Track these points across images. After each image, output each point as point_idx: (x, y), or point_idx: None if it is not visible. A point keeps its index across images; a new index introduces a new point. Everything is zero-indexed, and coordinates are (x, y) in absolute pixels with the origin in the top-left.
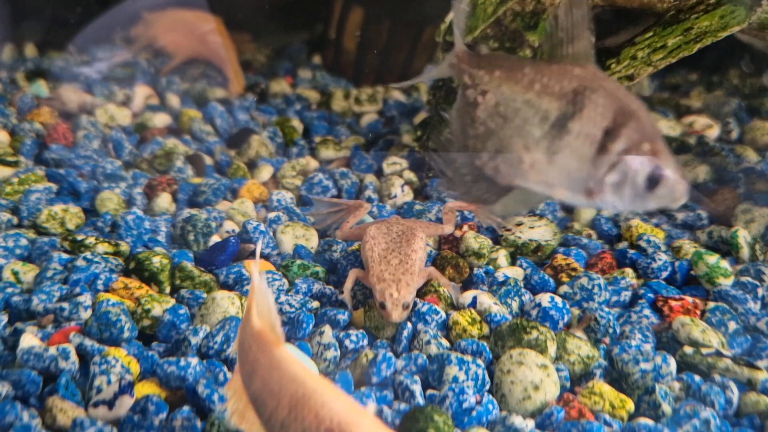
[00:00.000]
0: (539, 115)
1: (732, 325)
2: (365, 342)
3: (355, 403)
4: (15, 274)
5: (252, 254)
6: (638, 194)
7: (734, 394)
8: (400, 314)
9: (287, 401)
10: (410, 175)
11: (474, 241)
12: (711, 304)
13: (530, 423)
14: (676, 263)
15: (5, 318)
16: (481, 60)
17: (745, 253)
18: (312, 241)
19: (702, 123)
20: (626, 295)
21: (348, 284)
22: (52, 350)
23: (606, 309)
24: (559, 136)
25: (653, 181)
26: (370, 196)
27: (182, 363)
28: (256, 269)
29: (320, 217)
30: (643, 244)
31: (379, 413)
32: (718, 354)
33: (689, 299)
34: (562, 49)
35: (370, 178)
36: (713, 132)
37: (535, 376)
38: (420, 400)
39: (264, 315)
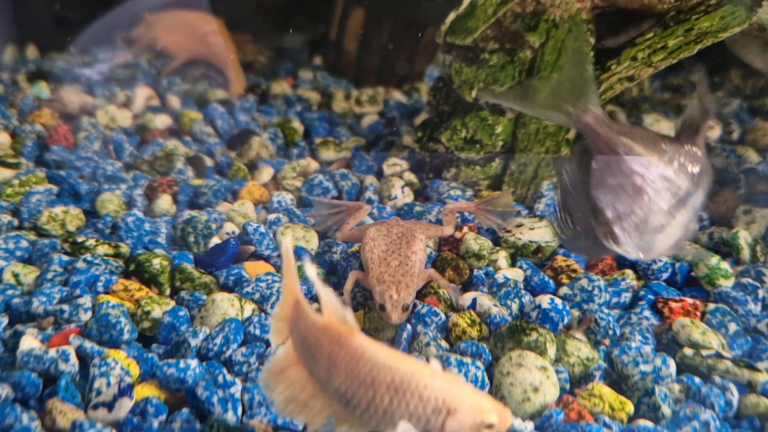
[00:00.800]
0: (673, 189)
1: (732, 327)
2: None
3: (449, 375)
4: (15, 276)
5: (252, 256)
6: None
7: (734, 396)
8: (400, 316)
9: (385, 389)
10: (410, 176)
11: (474, 242)
12: (711, 306)
13: (529, 425)
14: (677, 265)
15: (5, 320)
16: (620, 128)
17: (745, 254)
18: (312, 243)
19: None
20: (626, 297)
21: (348, 286)
22: (52, 352)
23: (606, 310)
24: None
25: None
26: (371, 198)
27: (182, 365)
28: (311, 270)
29: (320, 218)
30: None
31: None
32: (719, 356)
33: (689, 301)
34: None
35: (370, 180)
36: (714, 133)
37: (535, 378)
38: None
39: (331, 309)
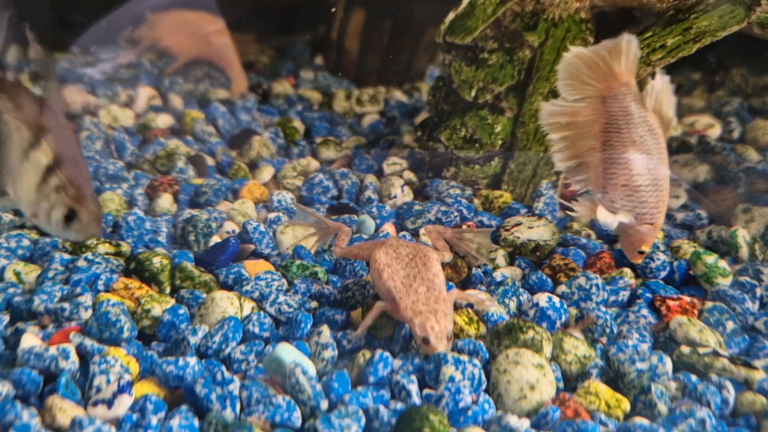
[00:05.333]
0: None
1: (730, 325)
2: (362, 342)
3: None
4: (17, 274)
5: (252, 254)
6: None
7: (731, 393)
8: (446, 346)
9: None
10: (410, 175)
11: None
12: (709, 304)
13: (526, 422)
14: (675, 263)
15: (7, 318)
16: None
17: (744, 252)
18: (311, 240)
19: (703, 122)
20: (624, 295)
21: (368, 320)
22: (53, 350)
23: (603, 309)
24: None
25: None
26: (370, 197)
27: (181, 363)
28: None
29: (302, 228)
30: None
31: (375, 413)
32: (715, 354)
33: (687, 299)
34: None
35: (370, 179)
36: (715, 131)
37: (531, 375)
38: (416, 400)
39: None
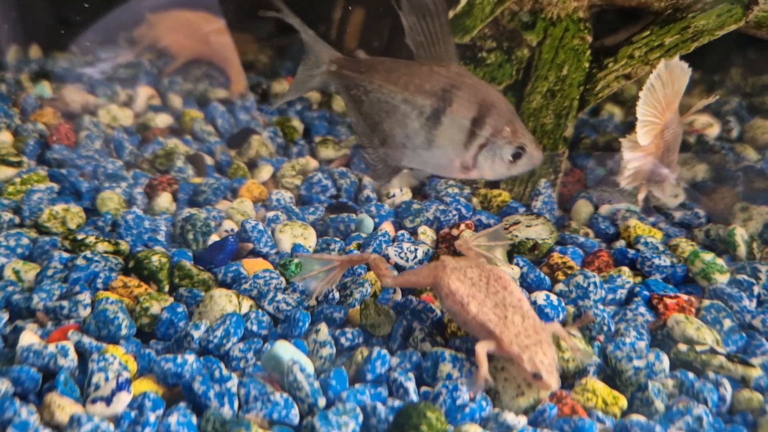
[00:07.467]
0: (416, 110)
1: (727, 323)
2: (361, 339)
3: None
4: (16, 272)
5: (251, 253)
6: (506, 165)
7: (727, 391)
8: (558, 379)
9: None
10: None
11: None
12: (706, 302)
13: (523, 420)
14: (673, 261)
15: (6, 316)
16: (359, 64)
17: (742, 251)
18: (310, 240)
19: (702, 122)
20: (622, 293)
21: (485, 369)
22: (51, 348)
23: (601, 307)
24: (435, 127)
25: (516, 155)
26: (369, 196)
27: (179, 360)
28: None
29: (312, 279)
30: (641, 246)
31: (373, 410)
32: (713, 351)
33: (684, 297)
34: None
35: (368, 178)
36: (713, 130)
37: None
38: (414, 397)
39: None
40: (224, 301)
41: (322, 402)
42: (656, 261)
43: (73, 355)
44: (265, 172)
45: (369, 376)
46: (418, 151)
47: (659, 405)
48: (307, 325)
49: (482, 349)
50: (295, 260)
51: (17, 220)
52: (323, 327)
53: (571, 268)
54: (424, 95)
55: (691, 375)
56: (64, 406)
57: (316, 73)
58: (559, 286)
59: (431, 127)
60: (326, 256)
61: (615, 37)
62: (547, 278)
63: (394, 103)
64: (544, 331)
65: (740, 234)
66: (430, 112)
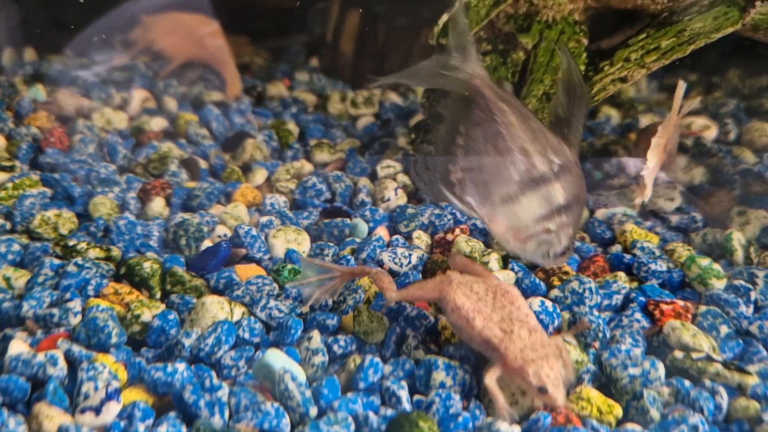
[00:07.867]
0: (524, 166)
1: (724, 329)
2: (354, 347)
3: None
4: (6, 279)
5: (244, 259)
6: (546, 256)
7: (724, 399)
8: (564, 394)
9: None
10: (404, 178)
11: (466, 244)
12: (703, 308)
13: (517, 429)
14: (670, 266)
15: None
16: (503, 93)
17: (739, 256)
18: (304, 245)
19: (700, 124)
20: (618, 299)
21: (501, 400)
22: (41, 356)
23: (596, 313)
24: (529, 189)
25: (563, 252)
26: (364, 200)
27: (169, 369)
28: None
29: (309, 285)
30: (637, 251)
31: (365, 420)
32: (709, 358)
33: (680, 303)
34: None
35: (363, 182)
36: (711, 133)
37: None
38: (406, 406)
39: None
40: (216, 308)
41: (313, 411)
42: (652, 266)
43: (62, 364)
44: (260, 175)
45: (361, 385)
46: (490, 196)
47: (655, 414)
48: (299, 332)
49: (491, 380)
50: (292, 265)
51: (8, 225)
52: (316, 334)
53: (566, 273)
54: (542, 159)
55: (687, 383)
56: (52, 416)
57: (447, 74)
58: (555, 292)
59: (523, 188)
60: (329, 265)
61: (611, 40)
62: (542, 284)
63: (511, 146)
64: (551, 345)
65: (737, 238)
66: (535, 177)
